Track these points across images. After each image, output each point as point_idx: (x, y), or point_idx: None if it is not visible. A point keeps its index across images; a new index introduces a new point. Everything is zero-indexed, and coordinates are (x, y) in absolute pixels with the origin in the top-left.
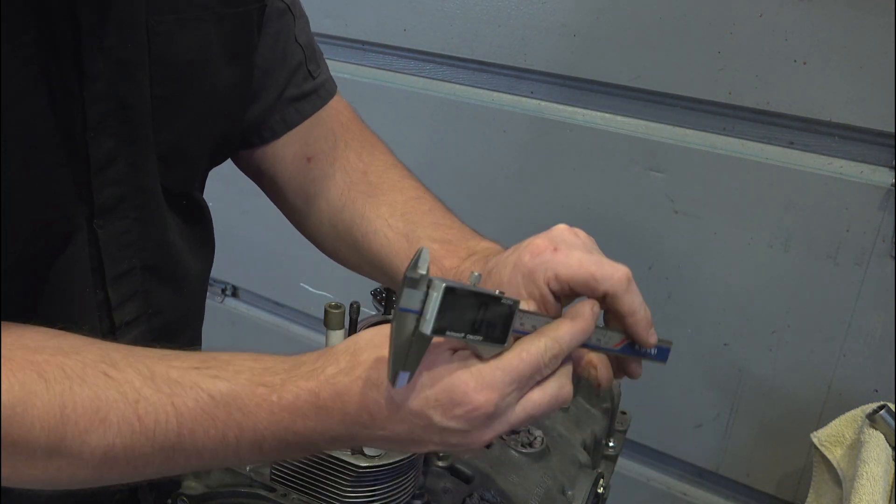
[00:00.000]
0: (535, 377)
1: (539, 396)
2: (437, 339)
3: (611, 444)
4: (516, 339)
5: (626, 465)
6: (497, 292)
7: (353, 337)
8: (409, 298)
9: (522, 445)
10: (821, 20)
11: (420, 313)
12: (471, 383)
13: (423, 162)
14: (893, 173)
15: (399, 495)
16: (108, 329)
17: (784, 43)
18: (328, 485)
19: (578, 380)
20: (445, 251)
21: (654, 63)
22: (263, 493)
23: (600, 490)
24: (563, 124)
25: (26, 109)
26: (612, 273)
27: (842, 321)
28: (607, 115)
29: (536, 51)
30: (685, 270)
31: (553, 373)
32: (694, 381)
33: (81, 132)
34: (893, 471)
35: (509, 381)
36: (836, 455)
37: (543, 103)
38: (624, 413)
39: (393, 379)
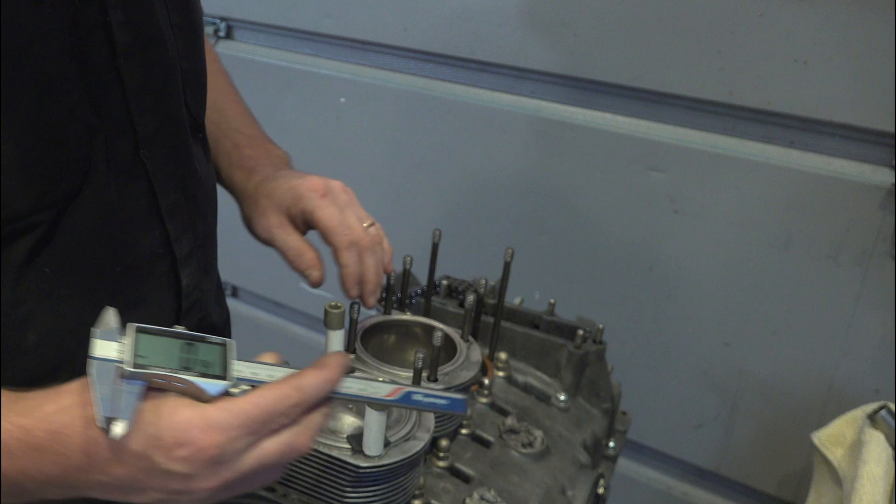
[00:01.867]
0: (270, 425)
1: (271, 444)
2: (154, 382)
3: (611, 444)
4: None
5: (626, 465)
6: (210, 337)
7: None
8: (104, 348)
9: (522, 445)
10: (821, 20)
11: (120, 362)
12: (195, 421)
13: (423, 162)
14: (893, 173)
15: (399, 495)
16: (171, 265)
17: (784, 43)
18: (328, 485)
19: (578, 380)
20: (248, 142)
21: (654, 63)
22: (263, 493)
23: (600, 490)
24: (563, 124)
25: (57, 45)
26: (341, 232)
27: (842, 321)
28: (607, 115)
29: (536, 51)
30: (685, 270)
31: (294, 421)
32: (694, 381)
33: (111, 59)
34: (894, 471)
35: (238, 424)
36: (836, 455)
37: (543, 103)
38: (624, 413)
39: (105, 426)
